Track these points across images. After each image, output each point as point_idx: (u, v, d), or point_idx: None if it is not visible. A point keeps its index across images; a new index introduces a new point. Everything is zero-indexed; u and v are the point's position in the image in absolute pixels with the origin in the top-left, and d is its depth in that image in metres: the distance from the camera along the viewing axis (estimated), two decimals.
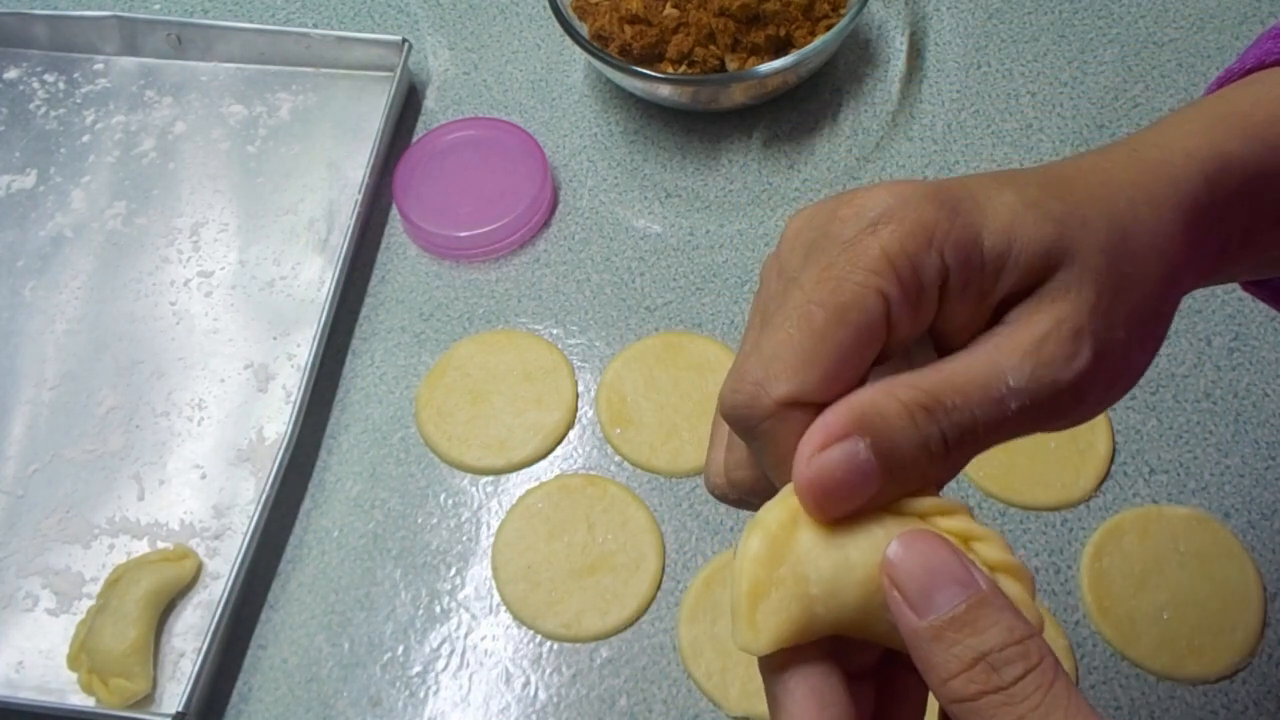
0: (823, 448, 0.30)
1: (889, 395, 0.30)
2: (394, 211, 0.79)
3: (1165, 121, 0.37)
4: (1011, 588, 0.30)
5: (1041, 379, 0.31)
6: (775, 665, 0.31)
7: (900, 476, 0.30)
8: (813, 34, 0.78)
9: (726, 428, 0.35)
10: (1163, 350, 0.69)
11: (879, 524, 0.30)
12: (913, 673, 0.31)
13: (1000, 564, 0.30)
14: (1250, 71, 0.40)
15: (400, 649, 0.64)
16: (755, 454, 0.32)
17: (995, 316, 0.33)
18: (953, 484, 0.66)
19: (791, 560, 0.30)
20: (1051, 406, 0.31)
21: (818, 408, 0.31)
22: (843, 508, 0.30)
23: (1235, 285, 0.71)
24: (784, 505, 0.31)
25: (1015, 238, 0.32)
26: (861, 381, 0.32)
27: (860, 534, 0.30)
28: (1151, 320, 0.34)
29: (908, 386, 0.30)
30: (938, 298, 0.32)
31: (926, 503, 0.31)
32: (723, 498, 0.36)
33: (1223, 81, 0.41)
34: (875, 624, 0.30)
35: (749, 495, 0.35)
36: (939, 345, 0.34)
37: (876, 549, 0.30)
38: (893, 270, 0.30)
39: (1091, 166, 0.35)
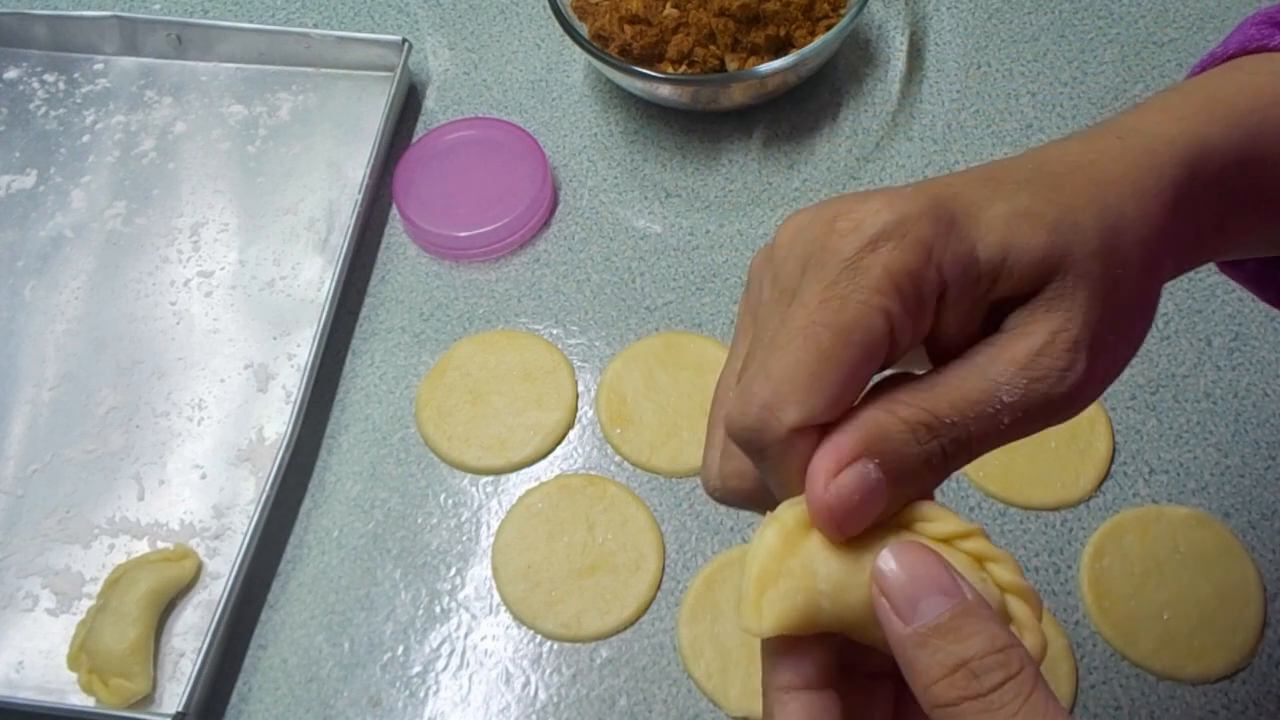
0: (835, 473, 0.30)
1: (892, 415, 0.31)
2: (394, 211, 0.79)
3: (1149, 105, 0.37)
4: (1020, 609, 0.31)
5: (1035, 393, 0.31)
6: (775, 650, 0.32)
7: (905, 489, 0.31)
8: (813, 34, 0.78)
9: (722, 432, 0.35)
10: (1162, 350, 0.70)
11: (894, 535, 0.31)
12: None
13: (1011, 586, 0.31)
14: (1233, 57, 0.40)
15: (400, 649, 0.64)
16: (761, 472, 0.33)
17: (989, 318, 0.33)
18: (953, 484, 0.66)
19: (803, 555, 0.31)
20: (1043, 415, 0.32)
21: (823, 427, 0.31)
22: (857, 525, 0.31)
23: (1235, 285, 0.71)
24: (801, 507, 0.31)
25: (1010, 249, 0.32)
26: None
27: (874, 541, 0.31)
28: (1139, 314, 0.34)
29: (908, 405, 0.31)
30: (934, 310, 0.32)
31: (945, 528, 0.32)
32: (721, 500, 0.36)
33: (1205, 65, 0.41)
34: (876, 629, 0.31)
35: (746, 502, 0.35)
36: (932, 346, 0.34)
37: None
38: (895, 289, 0.31)
39: (1079, 160, 0.35)
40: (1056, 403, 0.32)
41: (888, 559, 0.30)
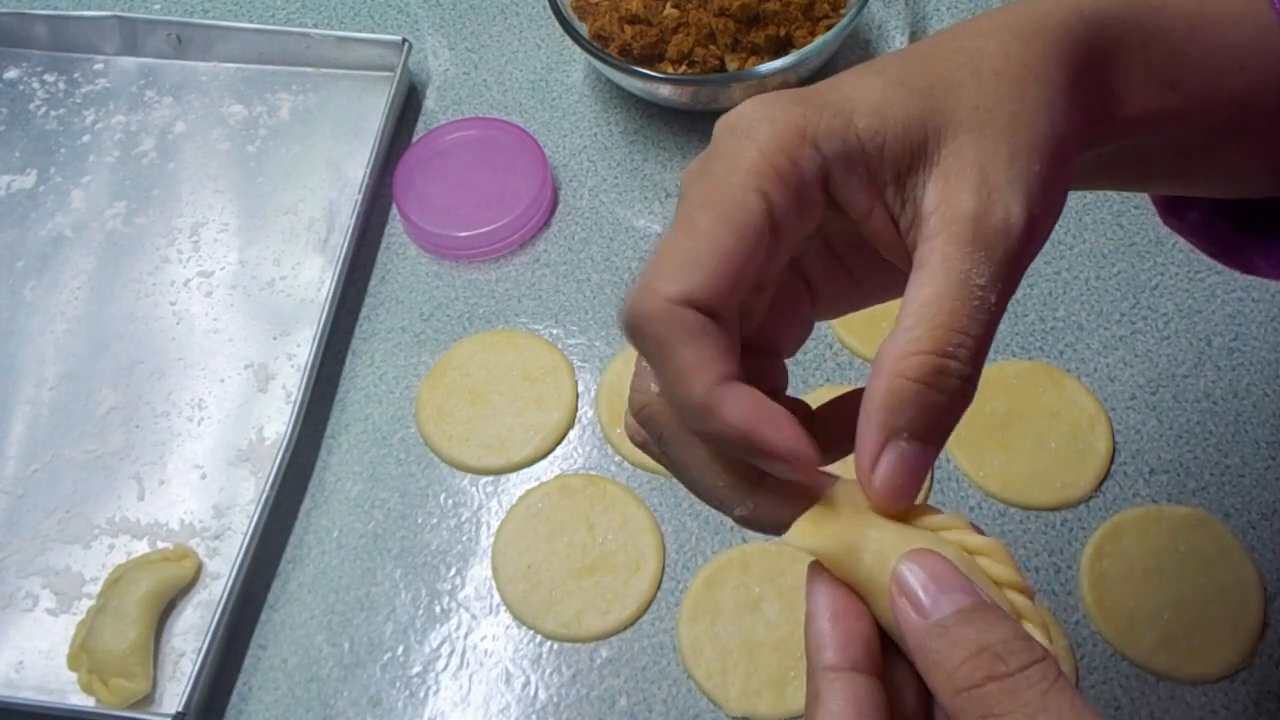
0: (876, 459, 0.31)
1: (903, 379, 0.31)
2: (394, 211, 0.79)
3: None
4: (1022, 603, 0.31)
5: (997, 257, 0.31)
6: (825, 625, 0.32)
7: (945, 432, 0.32)
8: (813, 34, 0.78)
9: (637, 365, 0.36)
10: (1162, 350, 0.70)
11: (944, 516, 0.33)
12: None
13: (1008, 581, 0.31)
14: None
15: (400, 649, 0.64)
16: (655, 369, 0.33)
17: (908, 206, 0.33)
18: (953, 484, 0.66)
19: (864, 511, 0.32)
20: (1018, 266, 0.32)
21: (710, 314, 0.31)
22: (910, 495, 0.32)
23: (1233, 285, 0.71)
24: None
25: (887, 114, 0.32)
26: (759, 282, 0.33)
27: (926, 516, 0.33)
28: (1061, 145, 0.33)
29: (910, 357, 0.31)
30: (823, 192, 0.32)
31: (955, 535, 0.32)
32: (633, 437, 0.36)
33: None
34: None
35: (647, 421, 0.35)
36: (878, 249, 0.34)
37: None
38: (770, 168, 0.31)
39: (959, 28, 0.35)
40: (1017, 250, 0.31)
41: (907, 561, 0.30)
